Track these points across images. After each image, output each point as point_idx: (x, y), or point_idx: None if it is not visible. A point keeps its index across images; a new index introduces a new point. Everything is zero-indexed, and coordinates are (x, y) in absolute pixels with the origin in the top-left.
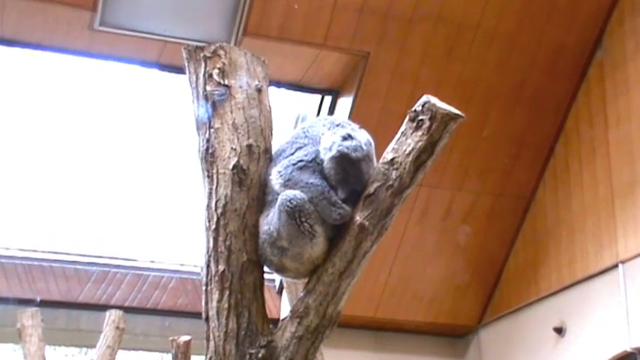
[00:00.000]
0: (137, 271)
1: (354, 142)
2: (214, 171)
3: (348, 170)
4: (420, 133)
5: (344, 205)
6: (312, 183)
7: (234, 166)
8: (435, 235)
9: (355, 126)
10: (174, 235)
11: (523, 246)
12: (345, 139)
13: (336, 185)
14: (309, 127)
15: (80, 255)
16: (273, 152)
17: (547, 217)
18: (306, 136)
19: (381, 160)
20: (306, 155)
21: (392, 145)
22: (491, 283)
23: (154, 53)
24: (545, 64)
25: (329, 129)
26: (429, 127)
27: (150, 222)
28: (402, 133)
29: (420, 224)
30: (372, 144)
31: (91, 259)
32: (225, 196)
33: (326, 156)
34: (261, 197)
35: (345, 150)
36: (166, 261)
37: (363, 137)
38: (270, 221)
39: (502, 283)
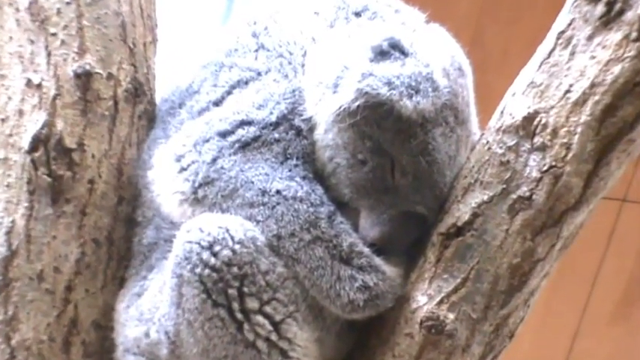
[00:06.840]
0: None
1: (408, 68)
2: None
3: (395, 151)
4: (612, 38)
5: (376, 260)
6: (279, 192)
7: (36, 140)
8: None
9: (412, 15)
10: None
11: None
12: (381, 55)
13: (355, 199)
14: (272, 20)
15: None
16: (161, 98)
17: None
18: (261, 47)
19: (492, 123)
20: (261, 106)
21: (529, 73)
22: None
23: None
24: None
25: (331, 25)
26: None
27: None
28: (559, 40)
29: (624, 320)
30: (467, 72)
31: None
32: (9, 233)
33: (324, 110)
34: (125, 236)
35: (384, 92)
36: None
37: (435, 55)
38: (148, 311)
39: None
